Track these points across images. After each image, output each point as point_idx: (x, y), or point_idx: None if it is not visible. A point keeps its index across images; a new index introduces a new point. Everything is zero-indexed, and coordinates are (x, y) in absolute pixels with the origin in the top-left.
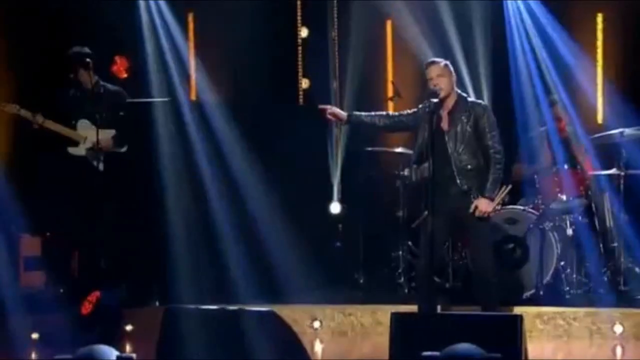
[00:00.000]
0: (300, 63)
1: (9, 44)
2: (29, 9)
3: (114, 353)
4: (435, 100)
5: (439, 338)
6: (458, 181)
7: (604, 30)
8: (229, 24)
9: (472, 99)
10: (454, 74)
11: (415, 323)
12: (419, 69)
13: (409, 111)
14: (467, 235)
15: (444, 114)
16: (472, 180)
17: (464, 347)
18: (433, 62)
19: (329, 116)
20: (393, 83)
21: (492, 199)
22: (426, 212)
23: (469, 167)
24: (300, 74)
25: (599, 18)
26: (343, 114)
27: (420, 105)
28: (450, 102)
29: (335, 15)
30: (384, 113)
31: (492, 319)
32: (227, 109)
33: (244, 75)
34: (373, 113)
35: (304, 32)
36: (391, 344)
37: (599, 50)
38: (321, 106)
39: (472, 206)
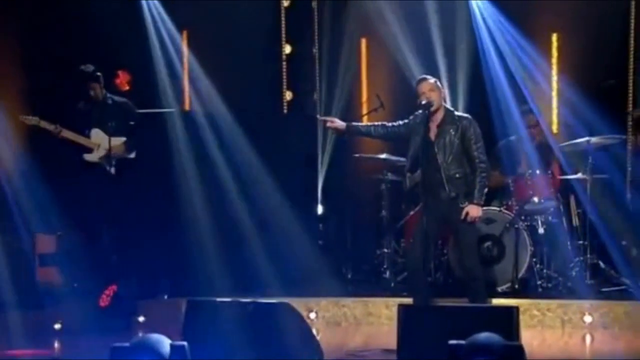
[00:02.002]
0: (284, 77)
1: (25, 62)
2: (43, 28)
3: (167, 341)
4: (426, 111)
5: (443, 328)
6: (447, 188)
7: (559, 48)
8: (220, 42)
9: (458, 112)
10: (442, 89)
11: (420, 314)
12: (391, 83)
13: (400, 122)
14: (454, 236)
15: (432, 126)
16: (459, 187)
17: (485, 335)
18: (424, 79)
19: (329, 126)
20: (378, 96)
21: (480, 205)
22: (412, 212)
23: (457, 175)
24: (284, 86)
25: (554, 37)
26: (342, 124)
27: (411, 117)
28: (439, 116)
29: (316, 34)
30: (379, 123)
31: (490, 310)
32: (220, 118)
33: (234, 87)
34: (369, 124)
35: (287, 49)
36: (399, 333)
37: (554, 67)
38: (322, 117)
39: (463, 213)
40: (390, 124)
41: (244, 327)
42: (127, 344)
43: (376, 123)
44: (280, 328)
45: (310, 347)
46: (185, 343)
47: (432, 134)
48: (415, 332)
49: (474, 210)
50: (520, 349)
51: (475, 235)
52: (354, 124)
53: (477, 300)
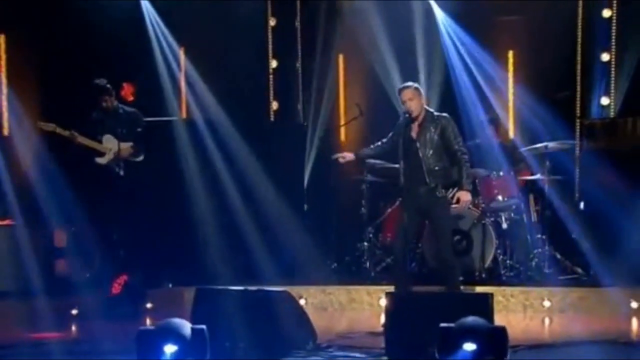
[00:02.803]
0: (271, 88)
1: (44, 76)
2: (58, 45)
3: (188, 325)
4: (407, 116)
5: (427, 313)
6: (427, 179)
7: (515, 64)
8: (214, 57)
9: (437, 113)
10: (422, 94)
11: (406, 301)
12: (366, 94)
13: (391, 133)
14: (432, 227)
15: (414, 125)
16: (438, 179)
17: (472, 319)
18: (405, 87)
19: (340, 160)
20: (358, 105)
21: (469, 191)
22: (389, 210)
23: (437, 168)
24: (271, 97)
25: (511, 54)
26: (351, 156)
27: (397, 123)
28: (420, 117)
29: (299, 50)
30: (378, 143)
31: (470, 297)
32: (216, 124)
33: (227, 97)
34: (371, 147)
35: (274, 64)
36: (387, 317)
37: (511, 80)
38: (334, 156)
39: (455, 198)
40: (385, 140)
41: (247, 312)
42: (152, 327)
43: (377, 143)
44: (281, 313)
45: (307, 329)
46: (204, 326)
47: (414, 133)
48: (401, 317)
49: (464, 195)
50: (503, 331)
51: (450, 227)
52: (360, 152)
53: (453, 288)
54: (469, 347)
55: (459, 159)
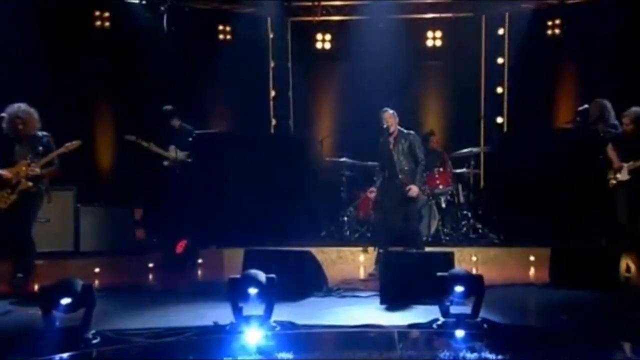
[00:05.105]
0: (271, 110)
1: (123, 102)
2: (129, 77)
3: (263, 275)
4: (386, 132)
5: (410, 266)
6: (399, 176)
7: (440, 98)
8: (231, 88)
9: (406, 130)
10: (396, 117)
11: (394, 258)
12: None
13: (379, 149)
14: (403, 208)
15: (391, 139)
16: (406, 177)
17: (458, 269)
18: (385, 111)
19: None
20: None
21: (419, 187)
22: (363, 195)
23: (406, 168)
24: (271, 116)
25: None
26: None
27: (381, 139)
28: (395, 133)
29: (291, 84)
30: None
31: (437, 255)
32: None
33: (243, 117)
34: (378, 169)
35: (273, 93)
36: (381, 271)
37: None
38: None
39: (407, 189)
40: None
41: (283, 265)
42: (238, 276)
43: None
44: (305, 266)
45: (322, 277)
46: (274, 275)
47: (391, 145)
48: (391, 270)
49: (414, 190)
50: (480, 278)
51: (417, 206)
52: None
53: (419, 248)
54: (459, 289)
55: (418, 163)
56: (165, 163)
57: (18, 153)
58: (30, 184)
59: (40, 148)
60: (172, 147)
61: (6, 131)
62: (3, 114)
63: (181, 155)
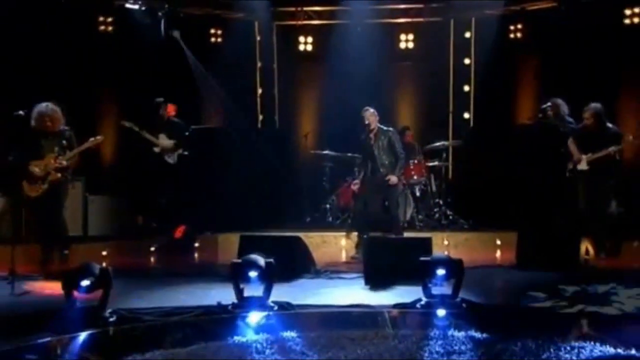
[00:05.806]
0: (259, 107)
1: (122, 93)
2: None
3: (262, 259)
4: (367, 129)
5: (392, 250)
6: (380, 169)
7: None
8: (225, 87)
9: (385, 127)
10: (377, 115)
11: (376, 242)
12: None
13: (362, 145)
14: (385, 197)
15: (372, 135)
16: (387, 169)
17: (439, 254)
18: (367, 109)
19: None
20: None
21: (398, 177)
22: (344, 185)
23: (386, 162)
24: (259, 112)
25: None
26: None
27: (362, 136)
28: (375, 130)
29: (276, 82)
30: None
31: (416, 240)
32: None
33: (234, 113)
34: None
35: (260, 91)
36: (365, 255)
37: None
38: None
39: (387, 178)
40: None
41: (275, 249)
42: (240, 260)
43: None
44: (296, 250)
45: (311, 260)
46: (272, 259)
47: (372, 140)
48: (374, 254)
49: (393, 179)
50: (460, 261)
51: (396, 196)
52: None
53: (397, 234)
54: (441, 271)
55: (397, 157)
56: (156, 149)
57: (45, 147)
58: (59, 174)
59: (64, 142)
60: (161, 136)
61: (35, 127)
62: (33, 111)
63: (168, 144)
